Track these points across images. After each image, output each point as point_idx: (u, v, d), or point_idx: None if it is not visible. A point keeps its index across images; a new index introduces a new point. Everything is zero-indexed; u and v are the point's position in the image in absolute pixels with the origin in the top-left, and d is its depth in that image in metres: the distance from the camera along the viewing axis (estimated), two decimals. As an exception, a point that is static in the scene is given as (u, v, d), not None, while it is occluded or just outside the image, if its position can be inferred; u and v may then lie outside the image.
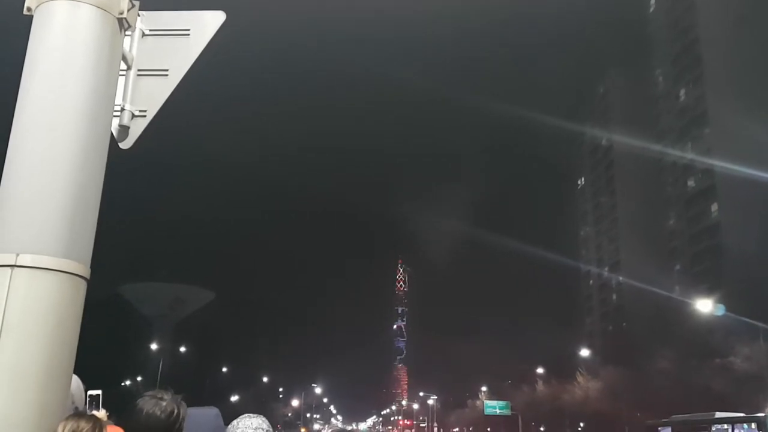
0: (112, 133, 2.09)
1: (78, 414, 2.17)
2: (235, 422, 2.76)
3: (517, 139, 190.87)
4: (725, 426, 26.26)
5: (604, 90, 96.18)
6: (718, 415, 27.11)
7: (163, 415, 2.61)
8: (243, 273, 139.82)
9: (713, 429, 26.90)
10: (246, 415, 2.84)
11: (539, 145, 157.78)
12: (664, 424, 31.73)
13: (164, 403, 2.64)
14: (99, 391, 4.09)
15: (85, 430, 2.46)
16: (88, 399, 3.51)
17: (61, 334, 1.64)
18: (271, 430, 2.79)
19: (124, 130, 2.19)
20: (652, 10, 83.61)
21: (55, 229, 1.67)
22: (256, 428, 2.75)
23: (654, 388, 46.51)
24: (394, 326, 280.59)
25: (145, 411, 2.61)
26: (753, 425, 24.65)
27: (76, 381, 3.25)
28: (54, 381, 1.60)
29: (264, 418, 2.81)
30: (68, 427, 2.27)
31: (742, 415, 26.63)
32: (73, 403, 3.19)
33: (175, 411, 2.65)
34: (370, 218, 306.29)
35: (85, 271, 1.74)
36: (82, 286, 1.73)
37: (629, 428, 50.12)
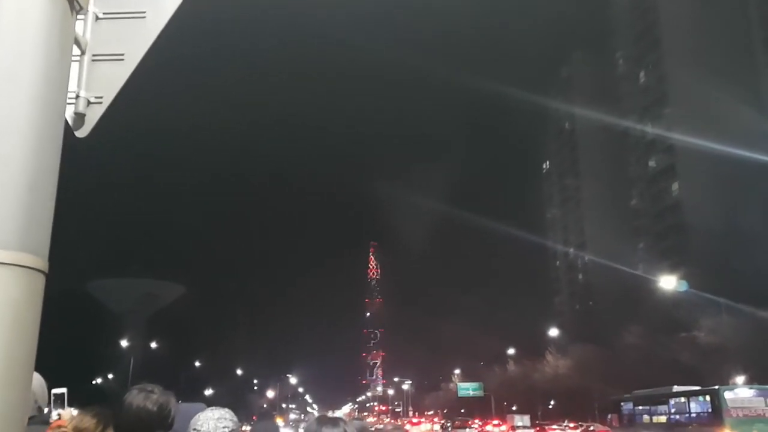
0: (67, 121, 2.01)
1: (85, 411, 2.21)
2: (198, 414, 2.71)
3: (488, 121, 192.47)
4: (682, 399, 27.34)
5: (568, 73, 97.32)
6: (676, 388, 28.35)
7: (155, 408, 2.56)
8: (213, 265, 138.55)
9: (671, 402, 28.01)
10: (211, 407, 2.79)
11: (508, 127, 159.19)
12: (627, 399, 32.79)
13: (155, 396, 2.60)
14: (64, 389, 4.00)
15: (90, 426, 2.57)
16: (52, 397, 3.43)
17: (19, 331, 1.57)
18: (235, 420, 2.72)
19: (79, 117, 2.11)
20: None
21: (8, 221, 1.60)
22: (218, 418, 2.66)
23: (622, 364, 47.67)
24: (368, 313, 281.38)
25: (135, 405, 2.56)
26: (707, 397, 25.68)
27: (38, 379, 3.16)
28: (13, 380, 1.53)
29: (229, 411, 2.76)
30: (74, 421, 2.36)
31: (697, 388, 27.82)
32: (35, 401, 3.10)
33: (167, 404, 2.60)
34: (341, 204, 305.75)
35: (43, 264, 1.67)
36: (41, 280, 1.66)
37: (599, 403, 51.34)
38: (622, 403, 33.15)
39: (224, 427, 2.63)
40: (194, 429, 2.63)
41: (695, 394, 26.76)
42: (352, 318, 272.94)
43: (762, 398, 24.42)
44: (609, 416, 35.42)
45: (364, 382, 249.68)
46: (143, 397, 2.56)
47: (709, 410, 24.94)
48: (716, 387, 25.89)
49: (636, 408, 31.27)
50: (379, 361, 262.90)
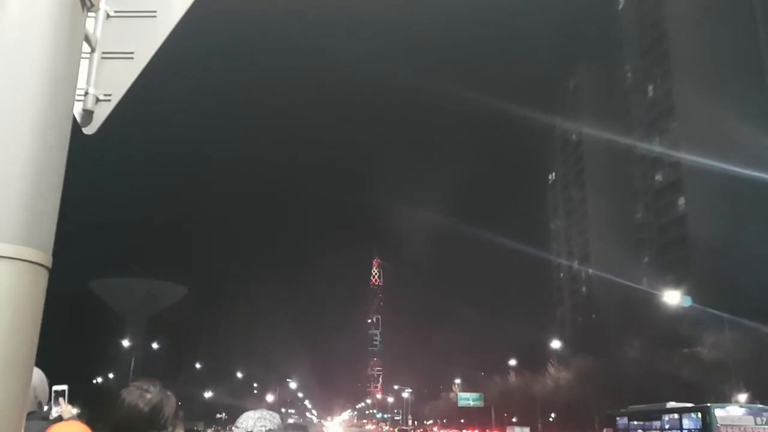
0: (75, 118, 2.01)
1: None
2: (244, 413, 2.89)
3: (492, 132, 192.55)
4: (675, 415, 27.51)
5: (575, 85, 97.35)
6: (670, 405, 28.50)
7: (146, 408, 2.52)
8: (216, 268, 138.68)
9: (665, 418, 28.16)
10: (256, 410, 2.95)
11: (514, 139, 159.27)
12: (622, 414, 32.89)
13: (149, 395, 2.56)
14: (65, 386, 4.01)
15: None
16: (53, 394, 3.42)
17: (21, 325, 1.57)
18: (276, 423, 2.84)
19: (88, 114, 2.11)
20: (621, 6, 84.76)
21: (13, 215, 1.59)
22: (258, 418, 2.81)
23: (624, 377, 47.40)
24: (369, 320, 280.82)
25: (127, 402, 2.53)
26: (699, 414, 25.81)
27: (39, 375, 3.15)
28: (13, 374, 1.53)
29: (273, 413, 2.91)
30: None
31: (690, 405, 27.99)
32: (36, 397, 3.10)
33: (161, 404, 2.57)
34: (346, 211, 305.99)
35: (47, 259, 1.66)
36: (44, 275, 1.66)
37: (599, 417, 51.05)
38: (617, 418, 33.12)
39: (262, 426, 2.77)
40: (236, 426, 2.81)
41: (688, 410, 26.91)
42: (353, 325, 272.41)
43: (752, 417, 24.49)
44: (604, 430, 35.34)
45: (363, 387, 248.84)
46: (137, 396, 2.53)
47: (700, 427, 25.02)
48: (707, 404, 26.08)
49: (630, 423, 31.32)
50: (379, 368, 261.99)
